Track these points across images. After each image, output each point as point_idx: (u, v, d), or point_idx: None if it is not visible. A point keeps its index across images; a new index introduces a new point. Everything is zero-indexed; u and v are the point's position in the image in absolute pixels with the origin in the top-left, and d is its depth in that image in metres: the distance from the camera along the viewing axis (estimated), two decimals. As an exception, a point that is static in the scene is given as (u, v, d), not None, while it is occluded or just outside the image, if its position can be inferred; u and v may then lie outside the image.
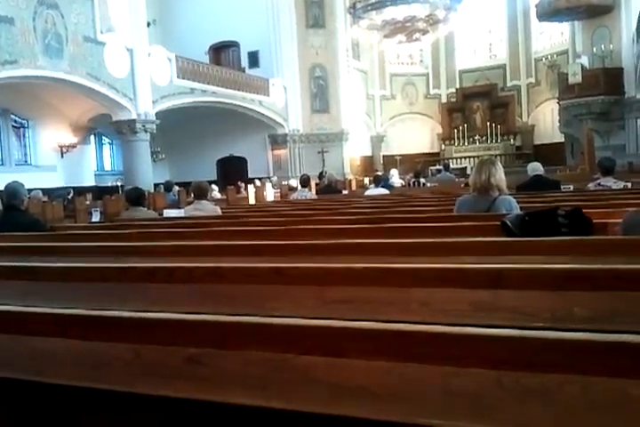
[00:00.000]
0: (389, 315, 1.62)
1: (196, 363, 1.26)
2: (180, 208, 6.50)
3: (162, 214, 6.15)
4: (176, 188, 11.18)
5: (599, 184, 6.19)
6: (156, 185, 14.51)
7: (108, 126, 16.23)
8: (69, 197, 11.36)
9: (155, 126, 15.92)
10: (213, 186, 11.90)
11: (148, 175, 15.65)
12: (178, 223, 4.57)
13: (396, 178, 13.64)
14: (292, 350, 1.20)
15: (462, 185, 9.61)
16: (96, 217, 6.73)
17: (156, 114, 16.04)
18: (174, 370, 1.26)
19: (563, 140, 22.11)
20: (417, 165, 22.24)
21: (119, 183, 17.73)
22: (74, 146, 17.79)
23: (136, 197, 5.73)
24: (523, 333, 1.10)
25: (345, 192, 11.30)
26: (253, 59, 22.46)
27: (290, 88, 22.16)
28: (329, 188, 10.30)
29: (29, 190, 7.14)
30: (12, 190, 4.61)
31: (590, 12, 19.02)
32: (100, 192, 15.30)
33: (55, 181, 16.40)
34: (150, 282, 2.05)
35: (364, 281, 1.80)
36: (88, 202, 10.13)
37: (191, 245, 2.89)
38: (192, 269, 2.05)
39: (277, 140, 22.26)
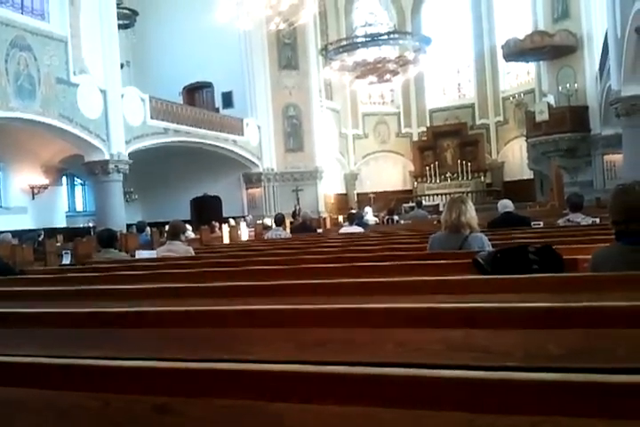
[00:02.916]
0: (365, 357, 1.61)
1: (165, 411, 1.23)
2: (152, 249, 6.43)
3: (134, 256, 6.08)
4: (148, 228, 11.07)
5: (568, 220, 6.30)
6: (128, 226, 14.37)
7: (80, 167, 16.13)
8: (40, 239, 11.17)
9: (128, 167, 15.87)
10: (187, 226, 11.82)
11: (121, 216, 15.51)
12: (149, 265, 4.51)
13: (370, 215, 13.72)
14: (265, 396, 1.18)
15: (435, 222, 9.70)
16: (67, 259, 6.61)
17: (130, 154, 16.02)
18: (144, 419, 1.23)
19: (532, 176, 22.56)
20: (390, 202, 22.45)
21: (91, 224, 17.51)
22: (45, 187, 17.60)
23: (108, 239, 5.66)
24: (495, 374, 1.10)
25: (319, 230, 11.30)
26: (227, 99, 22.74)
27: (264, 127, 22.40)
28: (303, 226, 10.30)
29: (-2, 233, 7.02)
30: (-20, 234, 4.52)
31: (555, 53, 19.75)
32: (71, 234, 15.06)
33: (26, 223, 16.14)
34: (121, 327, 2.01)
35: (339, 322, 1.78)
36: (59, 244, 9.98)
37: (162, 287, 2.85)
38: (163, 312, 2.02)
39: (252, 179, 22.35)
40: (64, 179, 19.66)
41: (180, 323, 1.94)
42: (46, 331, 2.12)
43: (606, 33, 14.85)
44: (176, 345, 1.83)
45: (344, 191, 26.71)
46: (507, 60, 22.63)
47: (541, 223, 6.70)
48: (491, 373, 1.11)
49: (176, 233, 5.78)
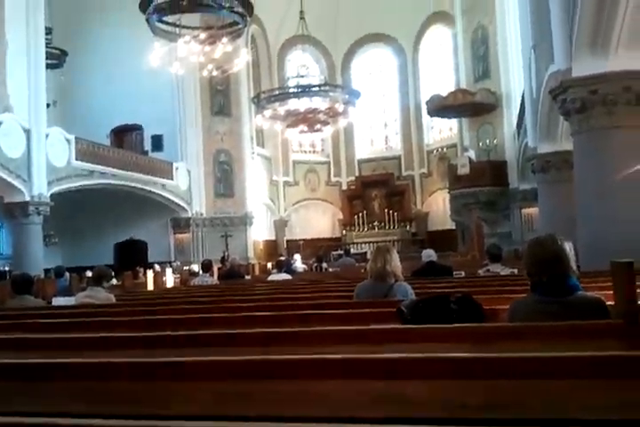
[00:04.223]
0: (288, 410, 1.59)
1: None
2: (71, 295, 6.16)
3: (51, 303, 5.80)
4: (67, 274, 10.62)
5: (488, 270, 6.50)
6: (47, 270, 13.75)
7: (-3, 208, 15.44)
8: (-53, 283, 10.49)
9: (49, 209, 15.32)
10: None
11: (39, 260, 14.85)
12: (66, 313, 4.32)
13: (299, 263, 13.71)
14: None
15: (362, 270, 9.79)
16: (-24, 306, 6.22)
17: (52, 196, 15.50)
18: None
19: (454, 227, 23.26)
20: (319, 249, 22.53)
21: (7, 268, 16.64)
22: (-43, 228, 16.72)
23: (23, 284, 5.38)
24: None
25: (248, 277, 11.18)
26: (157, 142, 22.54)
27: (194, 172, 22.28)
28: (231, 272, 10.16)
29: None
30: None
31: (475, 110, 20.86)
32: (-17, 278, 14.26)
33: None
34: (31, 380, 1.90)
35: (261, 374, 1.76)
36: (-32, 288, 9.39)
37: (77, 337, 2.73)
38: (78, 364, 1.93)
39: (180, 224, 22.00)
40: (-21, 220, 18.73)
41: (95, 376, 1.86)
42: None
43: (523, 93, 15.81)
44: (91, 400, 1.75)
45: (273, 238, 26.66)
46: (431, 116, 23.66)
47: (463, 273, 6.88)
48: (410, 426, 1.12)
49: (99, 279, 5.59)
